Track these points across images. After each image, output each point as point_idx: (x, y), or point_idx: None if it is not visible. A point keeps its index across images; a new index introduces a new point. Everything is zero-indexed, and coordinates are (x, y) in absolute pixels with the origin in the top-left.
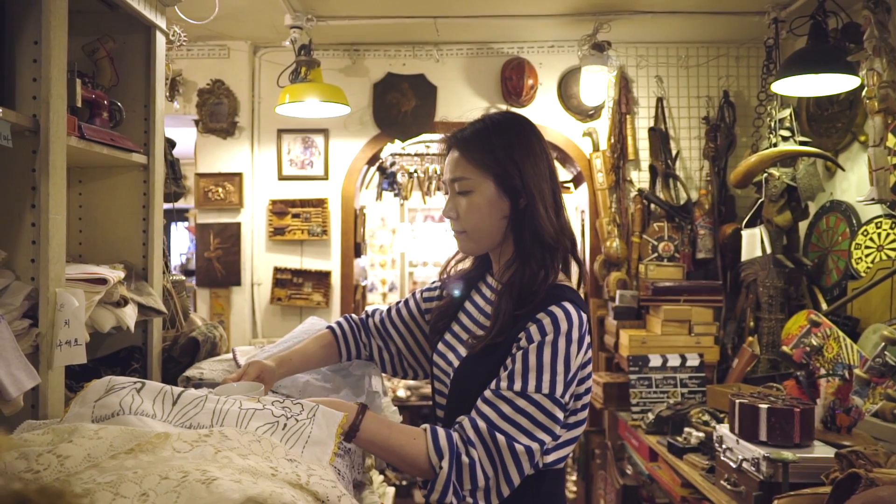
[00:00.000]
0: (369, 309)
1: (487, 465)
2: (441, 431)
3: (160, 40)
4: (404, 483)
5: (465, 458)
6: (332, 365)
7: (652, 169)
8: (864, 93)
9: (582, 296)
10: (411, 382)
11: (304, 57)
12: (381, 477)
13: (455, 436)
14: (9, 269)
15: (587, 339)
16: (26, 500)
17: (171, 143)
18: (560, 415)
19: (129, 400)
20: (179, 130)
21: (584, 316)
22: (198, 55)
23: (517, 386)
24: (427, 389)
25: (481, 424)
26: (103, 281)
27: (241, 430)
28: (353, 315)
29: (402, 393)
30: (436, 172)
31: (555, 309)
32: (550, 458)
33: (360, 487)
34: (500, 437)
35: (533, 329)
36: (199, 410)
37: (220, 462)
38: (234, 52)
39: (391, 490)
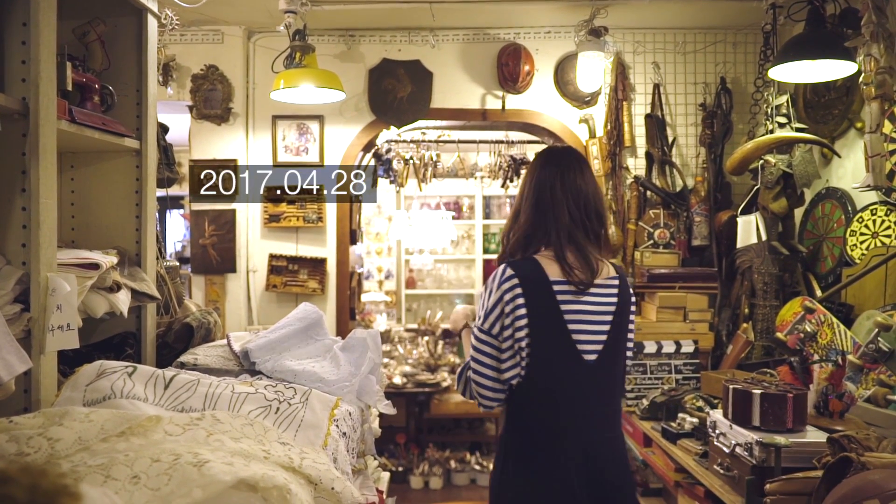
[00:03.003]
0: None
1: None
2: None
3: (152, 24)
4: (400, 469)
5: (465, 374)
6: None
7: (648, 156)
8: (861, 79)
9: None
10: (407, 369)
11: (299, 42)
12: (377, 462)
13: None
14: None
15: (504, 290)
16: (9, 478)
17: (163, 128)
18: (484, 337)
19: (121, 384)
20: (173, 116)
21: (509, 271)
22: (191, 40)
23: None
24: (422, 377)
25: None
26: (96, 266)
27: (233, 414)
28: None
29: (398, 380)
30: (431, 159)
31: None
32: (505, 375)
33: (355, 473)
34: (469, 367)
35: None
36: (191, 394)
37: (211, 445)
38: (227, 37)
39: (386, 475)
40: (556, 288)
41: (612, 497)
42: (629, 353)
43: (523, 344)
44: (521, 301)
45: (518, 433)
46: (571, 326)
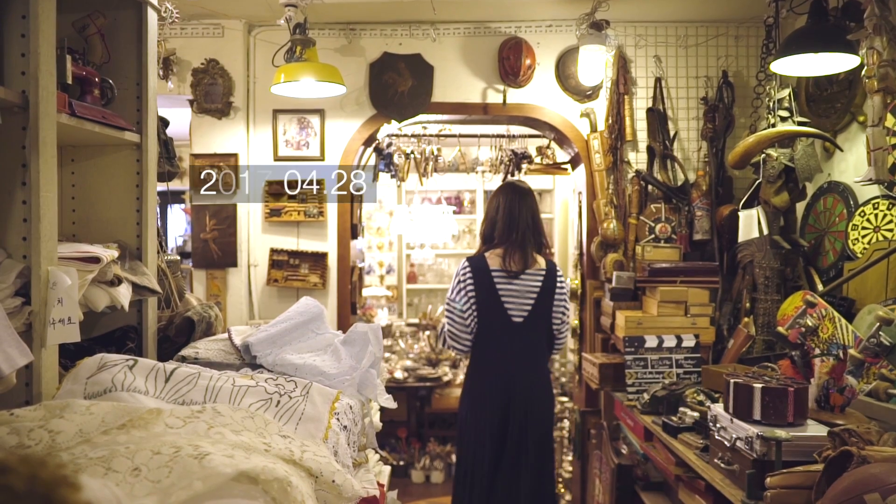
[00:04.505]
0: None
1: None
2: None
3: (152, 17)
4: (401, 463)
5: (442, 332)
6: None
7: (650, 150)
8: (863, 72)
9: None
10: (409, 364)
11: (300, 36)
12: (378, 456)
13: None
14: (0, 248)
15: (461, 277)
16: (9, 469)
17: (164, 122)
18: (451, 303)
19: (122, 377)
20: (174, 111)
21: (466, 264)
22: (192, 34)
23: None
24: (423, 371)
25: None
26: (96, 259)
27: (234, 407)
28: None
29: (399, 375)
30: (433, 154)
31: None
32: (469, 326)
33: (356, 466)
34: (444, 325)
35: None
36: (191, 387)
37: (212, 438)
38: (228, 30)
39: (387, 469)
40: (493, 274)
41: (523, 412)
42: (556, 321)
43: (473, 307)
44: (470, 282)
45: (473, 363)
46: (504, 298)
